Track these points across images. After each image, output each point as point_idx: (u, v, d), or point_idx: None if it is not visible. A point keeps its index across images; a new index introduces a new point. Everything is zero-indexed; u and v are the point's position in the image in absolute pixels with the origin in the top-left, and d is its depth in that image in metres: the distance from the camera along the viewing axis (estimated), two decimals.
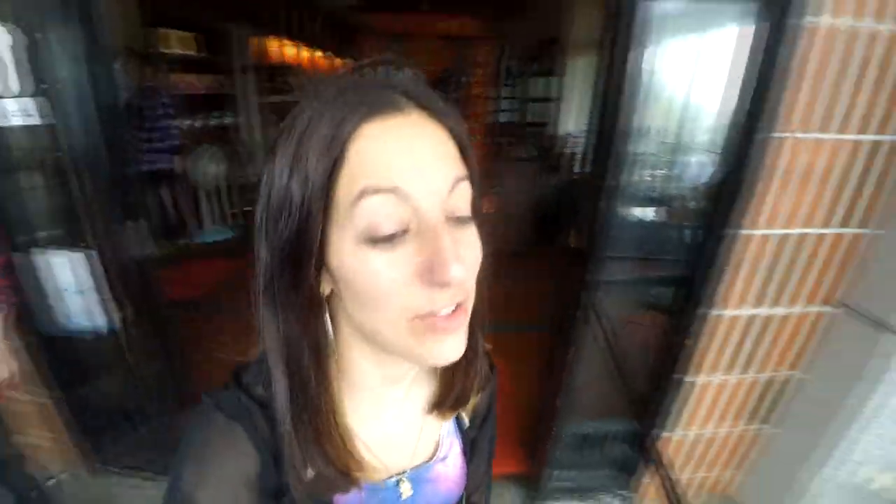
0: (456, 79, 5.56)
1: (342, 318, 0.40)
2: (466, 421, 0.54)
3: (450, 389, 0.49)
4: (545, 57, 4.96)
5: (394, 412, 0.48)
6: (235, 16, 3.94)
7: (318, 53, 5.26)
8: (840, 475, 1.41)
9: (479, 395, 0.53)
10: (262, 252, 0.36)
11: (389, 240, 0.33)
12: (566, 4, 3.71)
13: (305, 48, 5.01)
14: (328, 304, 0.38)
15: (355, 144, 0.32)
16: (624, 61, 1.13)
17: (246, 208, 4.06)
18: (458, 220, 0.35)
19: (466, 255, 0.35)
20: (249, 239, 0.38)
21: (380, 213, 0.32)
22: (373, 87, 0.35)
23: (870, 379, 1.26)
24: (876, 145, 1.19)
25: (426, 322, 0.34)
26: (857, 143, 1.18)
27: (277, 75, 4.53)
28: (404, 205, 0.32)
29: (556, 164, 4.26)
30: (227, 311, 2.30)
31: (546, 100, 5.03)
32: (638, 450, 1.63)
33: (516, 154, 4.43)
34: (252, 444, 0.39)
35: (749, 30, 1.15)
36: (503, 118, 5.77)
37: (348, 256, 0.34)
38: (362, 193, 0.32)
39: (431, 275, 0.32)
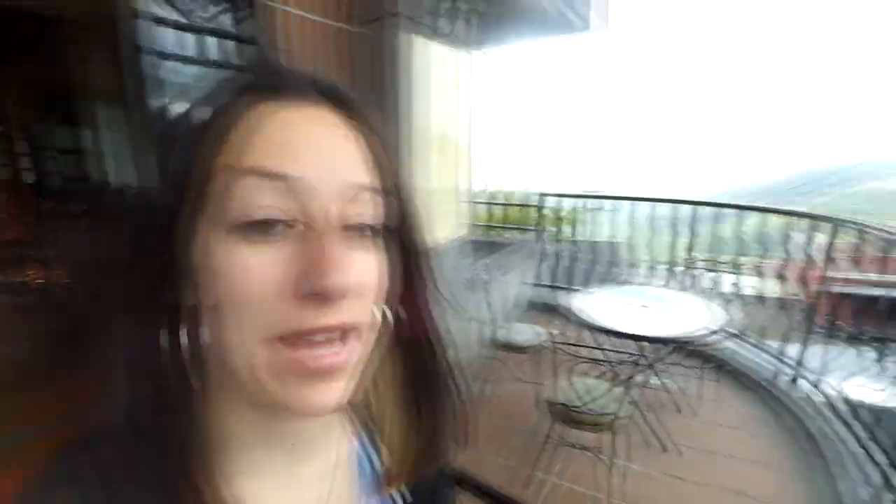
0: None
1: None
2: (401, 500, 0.39)
3: (404, 454, 0.37)
4: (65, 107, 4.03)
5: (285, 485, 0.34)
6: None
7: None
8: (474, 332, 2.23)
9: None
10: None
11: (266, 231, 0.26)
12: (76, 54, 3.22)
13: None
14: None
15: (248, 119, 0.27)
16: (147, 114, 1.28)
17: None
18: (357, 230, 0.29)
19: (361, 268, 0.29)
20: None
21: (259, 197, 0.26)
22: (288, 72, 0.31)
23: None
24: None
25: (292, 355, 0.27)
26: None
27: None
28: (291, 199, 0.27)
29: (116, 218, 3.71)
30: None
31: (79, 152, 4.13)
32: None
33: (70, 212, 3.63)
34: None
35: None
36: (35, 176, 4.31)
37: (216, 248, 0.26)
38: (244, 173, 0.26)
39: (308, 280, 0.26)
